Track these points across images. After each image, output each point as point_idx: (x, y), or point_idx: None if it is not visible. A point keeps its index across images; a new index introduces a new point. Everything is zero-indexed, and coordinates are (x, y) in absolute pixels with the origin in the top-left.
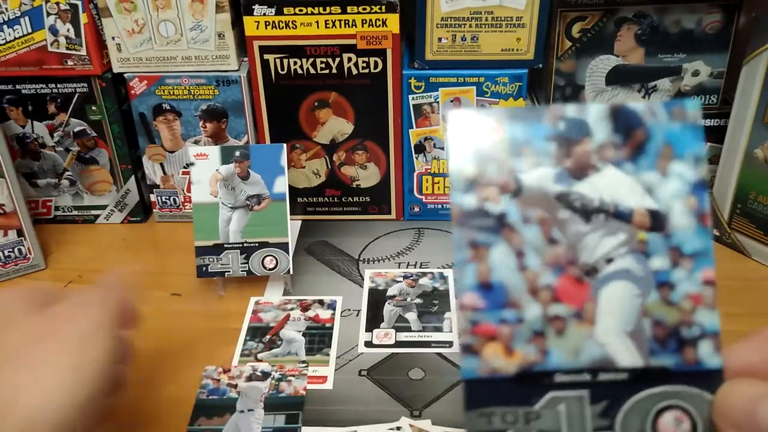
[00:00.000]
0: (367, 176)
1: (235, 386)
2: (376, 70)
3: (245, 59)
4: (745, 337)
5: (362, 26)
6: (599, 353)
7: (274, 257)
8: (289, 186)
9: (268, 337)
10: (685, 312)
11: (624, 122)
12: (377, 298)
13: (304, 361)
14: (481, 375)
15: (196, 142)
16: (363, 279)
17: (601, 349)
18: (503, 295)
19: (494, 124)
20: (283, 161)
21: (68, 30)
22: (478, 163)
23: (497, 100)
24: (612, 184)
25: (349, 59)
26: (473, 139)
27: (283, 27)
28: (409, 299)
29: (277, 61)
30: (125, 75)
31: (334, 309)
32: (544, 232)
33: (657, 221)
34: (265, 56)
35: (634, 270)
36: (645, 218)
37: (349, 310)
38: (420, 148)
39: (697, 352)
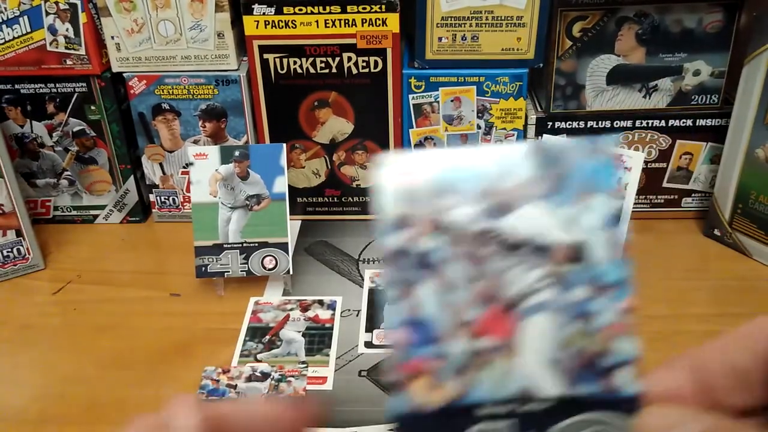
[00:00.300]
0: (367, 176)
1: (235, 387)
2: (376, 70)
3: (245, 59)
4: (665, 362)
5: (362, 26)
6: (524, 384)
7: (274, 257)
8: (289, 186)
9: (267, 337)
10: (605, 341)
11: (544, 160)
12: (377, 299)
13: (303, 362)
14: (407, 411)
15: (196, 142)
16: (363, 279)
17: (526, 380)
18: (430, 331)
19: (419, 166)
20: (283, 161)
21: (67, 29)
22: (405, 203)
23: (498, 99)
24: (533, 219)
25: (349, 59)
26: (400, 180)
27: (282, 26)
28: None
29: (277, 60)
30: (124, 74)
31: (333, 309)
32: (468, 268)
33: (576, 254)
34: (265, 56)
35: (555, 302)
36: (565, 251)
37: (349, 310)
38: (420, 148)
39: (617, 380)
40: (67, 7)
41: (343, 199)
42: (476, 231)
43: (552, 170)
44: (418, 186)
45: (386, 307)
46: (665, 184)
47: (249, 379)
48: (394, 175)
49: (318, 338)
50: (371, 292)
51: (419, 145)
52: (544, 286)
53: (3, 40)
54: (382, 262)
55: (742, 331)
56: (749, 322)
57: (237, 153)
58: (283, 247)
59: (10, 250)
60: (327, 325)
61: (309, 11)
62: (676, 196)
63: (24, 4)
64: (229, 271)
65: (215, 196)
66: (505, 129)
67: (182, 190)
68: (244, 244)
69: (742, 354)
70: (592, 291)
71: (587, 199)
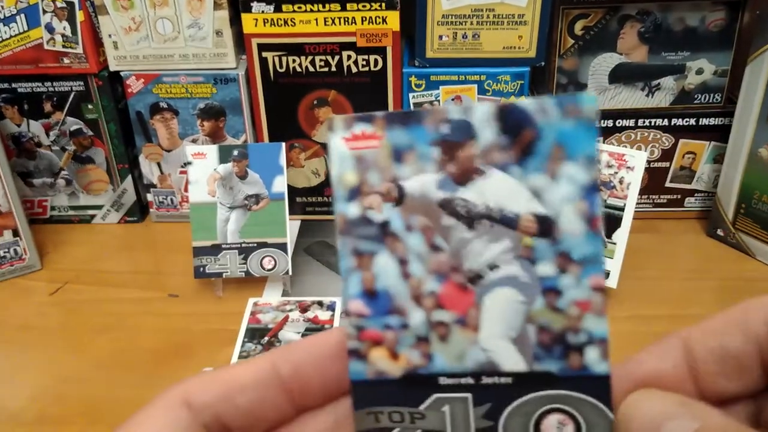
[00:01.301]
0: None
1: None
2: (376, 68)
3: (243, 57)
4: (655, 341)
5: (362, 24)
6: (483, 358)
7: (273, 258)
8: (288, 185)
9: (266, 338)
10: (572, 318)
11: (512, 122)
12: None
13: None
14: (368, 377)
15: (194, 141)
16: None
17: (485, 354)
18: (388, 302)
19: (375, 130)
20: (282, 160)
21: (64, 28)
22: (360, 171)
23: (499, 98)
24: (498, 188)
25: (349, 57)
26: (354, 146)
27: (281, 24)
28: None
29: (276, 59)
30: (122, 73)
31: (333, 310)
32: (427, 239)
33: (544, 226)
34: (264, 54)
35: (519, 276)
36: (531, 223)
37: None
38: None
39: (584, 358)
40: (64, 5)
41: None
42: (437, 200)
43: (521, 133)
44: (373, 152)
45: (343, 276)
46: (668, 184)
47: None
48: (347, 141)
49: None
50: None
51: None
52: (508, 260)
53: (0, 39)
54: (337, 231)
55: (733, 314)
56: (740, 304)
57: (236, 152)
58: (282, 247)
59: (6, 250)
60: (326, 326)
61: (308, 9)
62: (679, 196)
63: (21, 2)
64: (227, 272)
65: (214, 196)
66: None
67: (180, 190)
68: (243, 245)
69: (734, 337)
70: (560, 266)
71: (560, 167)
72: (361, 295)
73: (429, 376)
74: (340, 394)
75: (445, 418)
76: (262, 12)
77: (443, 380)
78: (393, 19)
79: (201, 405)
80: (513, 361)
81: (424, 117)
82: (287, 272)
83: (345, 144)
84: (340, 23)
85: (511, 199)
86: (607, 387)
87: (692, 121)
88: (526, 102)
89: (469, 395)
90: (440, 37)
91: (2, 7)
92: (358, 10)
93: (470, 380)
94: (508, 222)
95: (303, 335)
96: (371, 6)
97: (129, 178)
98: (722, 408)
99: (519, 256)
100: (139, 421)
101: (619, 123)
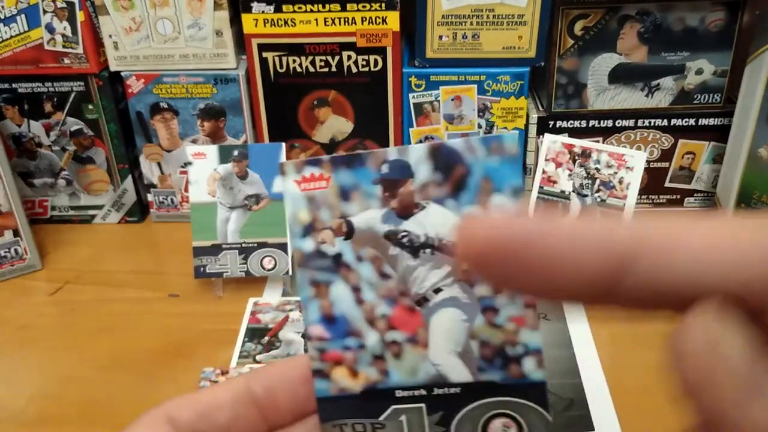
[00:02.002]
0: None
1: None
2: (376, 69)
3: (243, 57)
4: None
5: (362, 24)
6: (434, 371)
7: (273, 258)
8: None
9: (266, 338)
10: (510, 333)
11: (444, 160)
12: None
13: None
14: (331, 394)
15: (194, 141)
16: None
17: (435, 368)
18: (345, 325)
19: (323, 172)
20: (282, 160)
21: (65, 28)
22: (312, 209)
23: (499, 98)
24: (436, 220)
25: (349, 57)
26: (305, 187)
27: (282, 24)
28: None
29: (276, 59)
30: (122, 73)
31: None
32: (377, 268)
33: None
34: (264, 54)
35: (460, 298)
36: None
37: None
38: None
39: (522, 368)
40: (64, 5)
41: None
42: (383, 233)
43: (453, 170)
44: (323, 192)
45: (303, 305)
46: (667, 184)
47: None
48: (299, 183)
49: None
50: None
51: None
52: (449, 283)
53: (0, 39)
54: (296, 265)
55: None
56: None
57: (236, 152)
58: (283, 247)
59: (7, 250)
60: None
61: (308, 9)
62: (679, 196)
63: (21, 2)
64: (227, 272)
65: (214, 196)
66: (506, 128)
67: (180, 190)
68: (243, 245)
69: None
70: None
71: (489, 198)
72: (320, 320)
73: (386, 390)
74: (309, 412)
75: (403, 426)
76: (263, 12)
77: (399, 393)
78: (393, 20)
79: (183, 422)
80: (460, 373)
81: (366, 159)
82: (287, 272)
83: (296, 186)
84: (340, 23)
85: (448, 228)
86: (544, 392)
87: (692, 122)
88: (455, 141)
89: (423, 405)
90: (440, 37)
91: (2, 7)
92: (358, 10)
93: (423, 392)
94: (447, 249)
95: (303, 335)
96: (371, 6)
97: (129, 178)
98: None
99: (459, 279)
100: None
101: (618, 123)
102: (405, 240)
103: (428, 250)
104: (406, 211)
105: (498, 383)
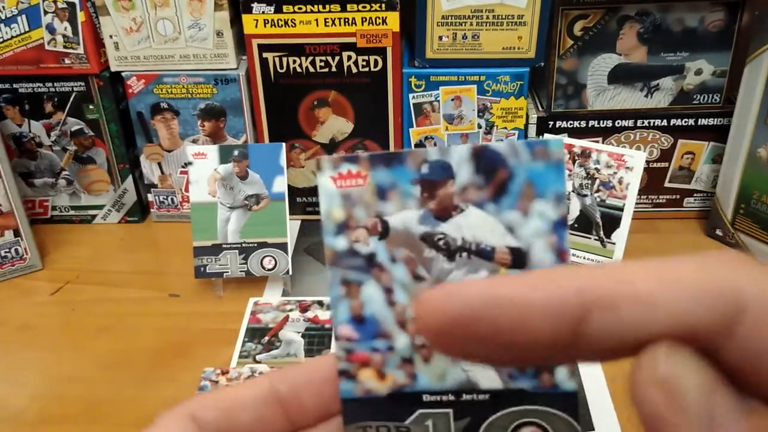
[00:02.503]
0: None
1: None
2: (376, 69)
3: (244, 58)
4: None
5: (362, 24)
6: (463, 377)
7: (273, 258)
8: (289, 185)
9: (266, 338)
10: None
11: (486, 163)
12: None
13: None
14: (357, 395)
15: (195, 142)
16: None
17: (465, 373)
18: (375, 327)
19: (360, 169)
20: (282, 160)
21: (65, 28)
22: (347, 207)
23: (498, 98)
24: (474, 223)
25: (349, 57)
26: (341, 184)
27: (282, 25)
28: None
29: (276, 59)
30: (123, 73)
31: None
32: (411, 270)
33: (518, 258)
34: (264, 55)
35: None
36: (506, 255)
37: None
38: (419, 147)
39: (554, 377)
40: (65, 6)
41: None
42: (419, 234)
43: (495, 173)
44: (359, 190)
45: (332, 304)
46: (667, 184)
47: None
48: (335, 180)
49: (317, 339)
50: None
51: (420, 144)
52: None
53: (1, 39)
54: (327, 263)
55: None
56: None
57: (236, 152)
58: (283, 247)
59: (7, 250)
60: (326, 326)
61: (308, 10)
62: (678, 196)
63: (22, 2)
64: (228, 272)
65: (214, 196)
66: (506, 128)
67: (181, 190)
68: (243, 245)
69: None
70: None
71: (531, 204)
72: (349, 320)
73: (413, 394)
74: (333, 413)
75: (429, 431)
76: (263, 13)
77: (426, 397)
78: (393, 20)
79: (207, 421)
80: (490, 380)
81: (405, 158)
82: (287, 272)
83: (332, 183)
84: (340, 24)
85: (487, 233)
86: (575, 402)
87: (691, 122)
88: (499, 144)
89: (450, 411)
90: (440, 37)
91: (3, 7)
92: (358, 10)
93: (451, 397)
94: (484, 254)
95: (303, 335)
96: (371, 7)
97: (130, 178)
98: None
99: None
100: None
101: (618, 123)
102: (441, 243)
103: (465, 254)
104: (444, 213)
105: (528, 391)
